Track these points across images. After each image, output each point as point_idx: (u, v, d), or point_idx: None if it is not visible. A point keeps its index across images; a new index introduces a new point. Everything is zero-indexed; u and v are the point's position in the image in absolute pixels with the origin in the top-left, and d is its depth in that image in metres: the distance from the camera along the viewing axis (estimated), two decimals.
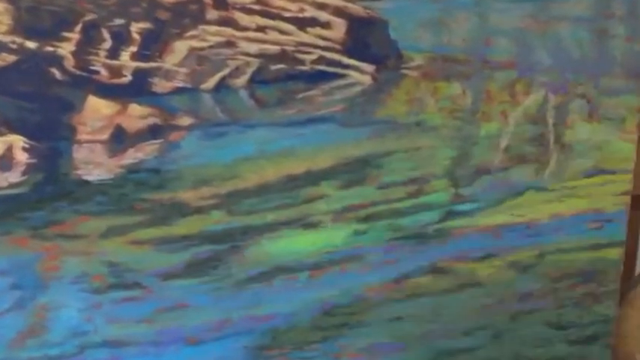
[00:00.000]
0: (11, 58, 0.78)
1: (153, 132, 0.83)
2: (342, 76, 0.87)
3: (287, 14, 0.83)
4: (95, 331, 0.86)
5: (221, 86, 0.84)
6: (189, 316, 0.91)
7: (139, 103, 0.82)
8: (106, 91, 0.81)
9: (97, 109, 0.81)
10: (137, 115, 0.82)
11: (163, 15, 0.80)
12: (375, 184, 0.91)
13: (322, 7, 0.84)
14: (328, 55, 0.86)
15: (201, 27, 0.81)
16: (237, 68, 0.84)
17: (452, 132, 0.92)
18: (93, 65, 0.80)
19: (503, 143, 0.93)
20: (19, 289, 0.84)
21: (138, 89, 0.82)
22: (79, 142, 0.81)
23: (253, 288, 0.91)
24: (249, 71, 0.84)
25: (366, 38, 0.87)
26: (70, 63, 0.79)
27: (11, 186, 0.82)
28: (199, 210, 0.86)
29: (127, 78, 0.81)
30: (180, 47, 0.82)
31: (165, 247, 0.87)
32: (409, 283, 0.98)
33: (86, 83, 0.80)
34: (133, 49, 0.80)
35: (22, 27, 0.78)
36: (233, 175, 0.86)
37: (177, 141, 0.84)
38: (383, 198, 0.91)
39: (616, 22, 0.91)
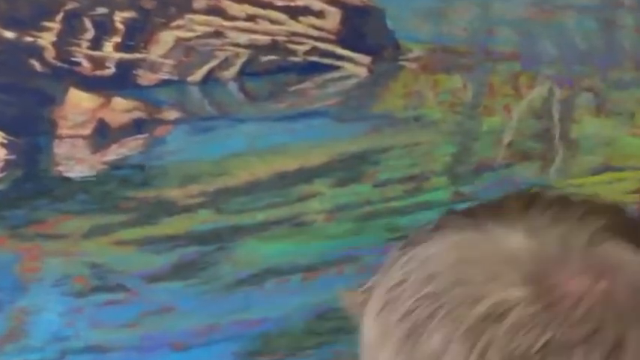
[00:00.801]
0: None
1: (137, 126, 0.79)
2: (337, 68, 0.83)
3: (278, 3, 0.79)
4: (77, 335, 0.81)
5: (209, 78, 0.80)
6: (175, 321, 0.85)
7: (123, 97, 0.79)
8: (89, 84, 0.77)
9: (79, 103, 0.78)
10: (121, 108, 0.79)
11: (148, 4, 0.77)
12: (371, 182, 0.87)
13: None
14: (322, 45, 0.82)
15: (188, 16, 0.78)
16: (225, 59, 0.80)
17: (452, 127, 0.88)
18: (74, 56, 0.76)
19: (507, 139, 0.88)
20: None
21: (122, 82, 0.78)
22: (60, 137, 0.77)
23: (243, 291, 0.85)
24: (239, 63, 0.80)
25: (361, 28, 0.83)
26: (50, 54, 0.76)
27: None
28: (186, 209, 0.81)
29: (111, 70, 0.77)
30: (166, 38, 0.78)
31: (150, 248, 0.82)
32: None
33: (67, 75, 0.77)
34: (117, 39, 0.76)
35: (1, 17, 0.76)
36: (222, 172, 0.82)
37: (163, 136, 0.80)
38: (380, 196, 0.87)
39: (624, 12, 0.87)
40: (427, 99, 0.86)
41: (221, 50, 0.80)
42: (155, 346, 0.86)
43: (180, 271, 0.84)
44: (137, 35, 0.78)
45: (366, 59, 0.83)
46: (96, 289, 0.81)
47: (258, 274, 0.84)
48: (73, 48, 0.76)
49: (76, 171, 0.79)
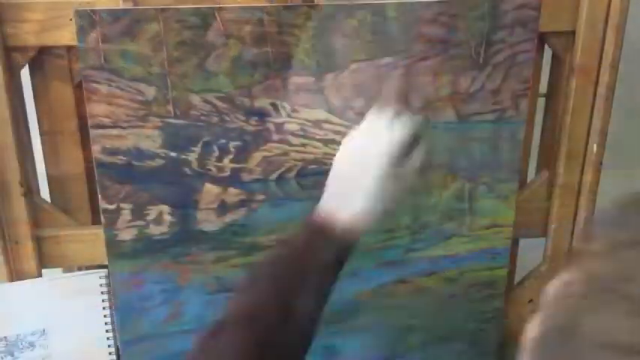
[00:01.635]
0: (162, 161, 0.98)
1: (242, 203, 1.02)
2: None
3: (317, 137, 1.00)
4: (210, 315, 0.96)
5: (280, 178, 1.01)
6: None
7: (234, 187, 1.01)
8: (216, 181, 1.00)
9: (210, 191, 1.00)
10: (233, 194, 1.01)
11: (248, 137, 0.98)
12: (366, 233, 0.92)
13: (337, 132, 0.99)
14: None
15: (269, 144, 0.99)
16: (289, 167, 1.01)
17: (410, 203, 1.05)
18: (208, 166, 0.99)
19: (439, 209, 1.06)
20: (165, 292, 1.04)
21: (233, 179, 1.00)
22: (200, 209, 1.01)
23: None
24: (296, 169, 1.02)
25: None
26: (195, 164, 0.99)
27: (162, 234, 1.01)
28: (268, 247, 1.02)
29: (227, 173, 1.00)
30: (257, 156, 1.00)
31: (249, 268, 1.00)
32: (386, 289, 1.10)
33: (204, 176, 0.99)
34: (230, 156, 0.99)
35: (168, 144, 0.97)
36: (287, 228, 1.01)
37: (255, 209, 1.02)
38: (371, 241, 1.05)
39: (504, 141, 1.03)
40: None
41: (286, 162, 1.01)
42: None
43: None
44: (241, 154, 0.99)
45: None
46: (218, 291, 1.05)
47: None
48: (207, 161, 0.99)
49: (208, 227, 1.02)
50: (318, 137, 1.01)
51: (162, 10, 0.90)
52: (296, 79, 0.96)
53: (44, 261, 1.04)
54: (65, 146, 1.02)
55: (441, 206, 1.07)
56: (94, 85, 0.92)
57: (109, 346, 1.06)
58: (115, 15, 0.89)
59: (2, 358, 1.03)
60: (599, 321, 0.42)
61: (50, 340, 1.05)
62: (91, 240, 1.04)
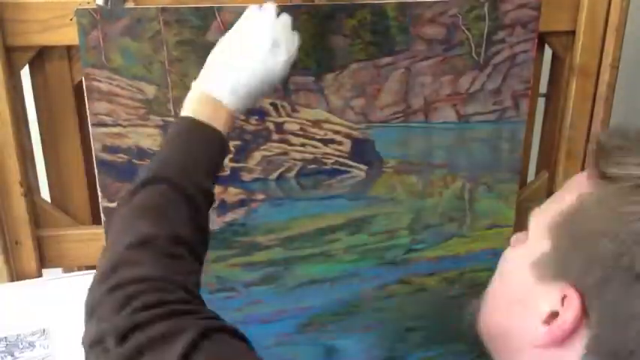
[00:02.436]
0: None
1: (241, 203, 1.02)
2: (348, 172, 1.02)
3: (317, 137, 1.00)
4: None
5: (280, 177, 1.01)
6: (262, 308, 1.06)
7: (234, 187, 1.01)
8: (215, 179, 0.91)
9: None
10: (233, 193, 1.01)
11: (248, 137, 0.98)
12: (367, 233, 1.06)
13: (337, 132, 0.99)
14: (340, 160, 1.02)
15: (269, 143, 0.99)
16: (289, 167, 1.01)
17: (411, 204, 1.06)
18: None
19: (440, 210, 1.07)
20: None
21: (233, 178, 1.00)
22: None
23: (298, 291, 1.07)
24: (296, 169, 1.01)
25: (362, 150, 1.01)
26: None
27: None
28: (268, 247, 1.03)
29: (227, 172, 0.99)
30: (257, 155, 1.00)
31: (248, 268, 1.04)
32: (386, 289, 1.10)
33: None
34: (230, 155, 0.99)
35: None
36: (286, 227, 1.03)
37: (255, 208, 1.02)
38: (372, 241, 1.07)
39: (504, 141, 1.04)
40: (397, 189, 1.05)
41: (286, 162, 1.00)
42: (251, 321, 1.06)
43: (265, 280, 1.05)
44: (241, 154, 0.99)
45: (364, 167, 1.02)
46: (219, 290, 1.04)
47: (306, 282, 1.07)
48: None
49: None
50: (318, 137, 1.01)
51: (163, 9, 0.90)
52: (296, 79, 0.96)
53: (44, 261, 1.04)
54: (65, 146, 1.01)
55: (442, 206, 1.07)
56: (95, 83, 0.92)
57: None
58: (116, 14, 0.89)
59: (2, 358, 1.03)
60: None
61: (50, 340, 1.04)
62: (91, 240, 1.03)
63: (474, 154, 1.05)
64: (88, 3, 0.90)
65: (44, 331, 1.04)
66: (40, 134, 1.01)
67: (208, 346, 0.58)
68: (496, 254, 0.98)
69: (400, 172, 1.04)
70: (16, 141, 0.96)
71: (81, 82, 0.95)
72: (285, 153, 1.01)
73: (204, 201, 0.74)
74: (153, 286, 0.64)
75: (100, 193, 0.98)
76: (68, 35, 0.92)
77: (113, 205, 0.98)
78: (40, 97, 0.99)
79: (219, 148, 0.77)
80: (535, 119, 1.12)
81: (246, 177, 1.01)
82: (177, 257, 0.69)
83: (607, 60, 1.04)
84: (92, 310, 0.65)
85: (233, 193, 1.02)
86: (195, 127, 0.76)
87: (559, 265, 0.60)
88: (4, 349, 1.03)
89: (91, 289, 0.66)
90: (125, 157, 0.96)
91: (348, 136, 1.01)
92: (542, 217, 0.64)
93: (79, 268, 1.08)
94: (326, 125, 1.00)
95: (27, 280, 1.02)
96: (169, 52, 0.92)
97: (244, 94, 0.79)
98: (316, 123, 0.99)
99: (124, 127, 0.94)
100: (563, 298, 0.58)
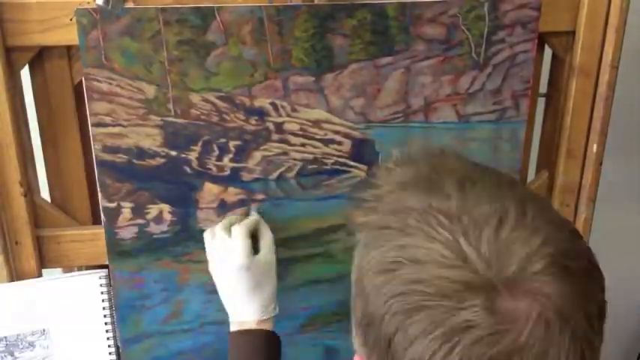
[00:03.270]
0: (162, 160, 0.97)
1: (241, 203, 1.01)
2: (348, 172, 1.02)
3: (317, 137, 1.00)
4: (209, 314, 1.03)
5: (280, 177, 1.01)
6: None
7: (234, 187, 1.01)
8: (215, 180, 1.00)
9: (210, 190, 1.00)
10: (233, 193, 1.01)
11: (248, 137, 0.98)
12: None
13: (337, 132, 0.99)
14: (340, 160, 1.02)
15: (269, 143, 0.99)
16: (289, 167, 1.01)
17: None
18: (208, 165, 0.99)
19: None
20: (166, 291, 1.04)
21: (233, 179, 1.00)
22: (200, 208, 1.01)
23: (299, 291, 1.07)
24: (296, 169, 1.01)
25: (361, 150, 1.01)
26: (195, 163, 0.98)
27: (162, 232, 1.01)
28: None
29: (227, 172, 1.00)
30: (257, 155, 1.00)
31: None
32: None
33: (204, 175, 0.99)
34: (230, 156, 0.99)
35: (168, 143, 0.96)
36: (286, 227, 1.03)
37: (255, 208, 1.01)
38: None
39: (504, 141, 1.04)
40: None
41: (286, 162, 1.00)
42: None
43: None
44: (241, 154, 0.99)
45: (364, 167, 1.02)
46: None
47: (307, 281, 1.07)
48: (207, 160, 0.98)
49: (209, 226, 0.99)
50: (317, 137, 1.01)
51: (163, 9, 0.90)
52: (296, 79, 0.96)
53: (44, 261, 1.04)
54: (65, 146, 1.01)
55: None
56: (95, 83, 0.92)
57: (109, 345, 1.06)
58: (116, 14, 0.90)
59: (2, 358, 1.03)
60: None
61: (50, 340, 1.04)
62: (91, 240, 1.03)
63: (474, 154, 1.02)
64: (88, 3, 0.90)
65: (44, 331, 1.04)
66: (40, 134, 1.01)
67: None
68: None
69: None
70: (16, 141, 0.96)
71: (81, 82, 0.95)
72: (285, 153, 1.01)
73: None
74: None
75: (100, 193, 0.98)
76: (68, 35, 0.92)
77: (113, 205, 0.98)
78: (40, 97, 0.99)
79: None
80: (535, 119, 1.12)
81: (246, 177, 1.01)
82: None
83: (607, 60, 1.05)
84: None
85: (233, 193, 1.02)
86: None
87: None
88: (4, 349, 1.03)
89: None
90: (125, 157, 0.96)
91: (348, 136, 1.01)
92: None
93: (79, 268, 1.08)
94: (326, 125, 1.00)
95: (27, 280, 1.02)
96: (169, 52, 0.92)
97: (265, 307, 0.95)
98: (316, 123, 0.99)
99: (124, 127, 0.95)
100: None
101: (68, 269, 1.09)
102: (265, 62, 0.95)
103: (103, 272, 1.04)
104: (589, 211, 1.12)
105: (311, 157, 1.02)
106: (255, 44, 0.94)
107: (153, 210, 1.00)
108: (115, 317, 1.05)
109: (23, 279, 1.02)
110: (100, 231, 1.01)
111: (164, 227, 1.01)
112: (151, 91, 0.94)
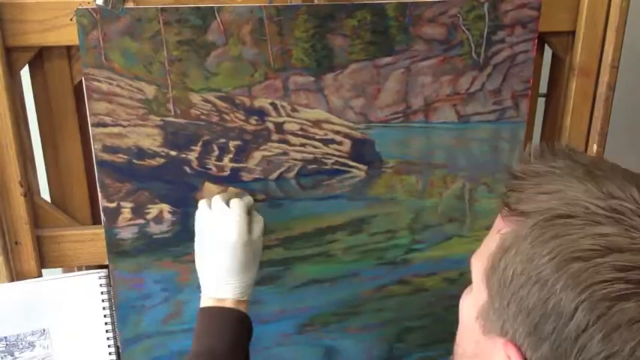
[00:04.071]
0: (162, 160, 0.97)
1: None
2: (348, 172, 1.02)
3: (317, 137, 1.00)
4: None
5: (280, 177, 1.01)
6: (262, 309, 1.07)
7: (234, 187, 1.00)
8: (215, 180, 1.00)
9: (210, 190, 0.99)
10: (233, 193, 0.98)
11: (248, 137, 0.98)
12: (367, 233, 1.06)
13: (337, 132, 0.99)
14: (340, 160, 1.02)
15: (269, 143, 0.99)
16: (288, 167, 1.01)
17: (410, 204, 1.06)
18: (208, 165, 0.99)
19: (440, 210, 1.07)
20: (166, 291, 1.04)
21: (233, 179, 1.00)
22: None
23: (298, 292, 1.08)
24: (296, 169, 1.01)
25: (361, 150, 1.01)
26: (194, 163, 0.98)
27: (162, 232, 1.01)
28: (267, 247, 1.02)
29: (227, 172, 0.99)
30: (257, 155, 0.99)
31: None
32: (386, 289, 1.11)
33: (203, 175, 0.99)
34: (230, 156, 0.99)
35: (168, 143, 0.96)
36: (286, 227, 1.04)
37: (255, 208, 0.99)
38: (372, 241, 1.07)
39: (504, 141, 1.04)
40: (397, 189, 1.05)
41: (286, 162, 1.00)
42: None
43: (265, 280, 1.06)
44: (241, 154, 0.99)
45: (364, 167, 1.02)
46: None
47: (306, 282, 1.07)
48: (207, 160, 0.98)
49: None
50: (317, 137, 1.01)
51: (163, 9, 0.90)
52: (296, 79, 0.96)
53: (44, 261, 1.04)
54: (65, 146, 1.01)
55: (441, 207, 1.07)
56: (95, 83, 0.92)
57: (109, 345, 1.06)
58: (116, 14, 0.89)
59: (2, 358, 1.03)
60: None
61: (50, 340, 1.04)
62: (91, 240, 1.03)
63: (473, 154, 1.05)
64: (88, 3, 0.90)
65: (44, 331, 1.04)
66: (40, 134, 1.01)
67: None
68: None
69: (400, 173, 1.04)
70: (16, 141, 0.96)
71: (81, 82, 0.95)
72: (285, 153, 1.01)
73: None
74: None
75: (100, 193, 0.98)
76: (68, 35, 0.92)
77: (113, 205, 0.98)
78: (40, 97, 0.99)
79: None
80: (535, 119, 1.12)
81: (246, 177, 1.01)
82: None
83: (607, 60, 1.04)
84: None
85: (233, 193, 1.00)
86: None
87: (496, 319, 0.59)
88: (4, 349, 1.03)
89: None
90: (125, 157, 0.96)
91: (348, 136, 1.01)
92: (480, 262, 0.62)
93: (79, 268, 1.08)
94: (326, 125, 0.99)
95: (27, 280, 1.02)
96: (169, 52, 0.92)
97: (245, 283, 0.93)
98: (316, 123, 0.99)
99: (124, 127, 0.95)
100: (508, 358, 0.58)
101: (68, 269, 1.09)
102: (265, 62, 0.94)
103: (103, 272, 1.04)
104: None
105: (311, 157, 1.01)
106: (255, 44, 0.93)
107: (153, 210, 1.00)
108: (114, 317, 1.04)
109: (23, 279, 1.02)
110: (100, 231, 1.01)
111: (164, 227, 1.01)
112: (150, 91, 0.93)
